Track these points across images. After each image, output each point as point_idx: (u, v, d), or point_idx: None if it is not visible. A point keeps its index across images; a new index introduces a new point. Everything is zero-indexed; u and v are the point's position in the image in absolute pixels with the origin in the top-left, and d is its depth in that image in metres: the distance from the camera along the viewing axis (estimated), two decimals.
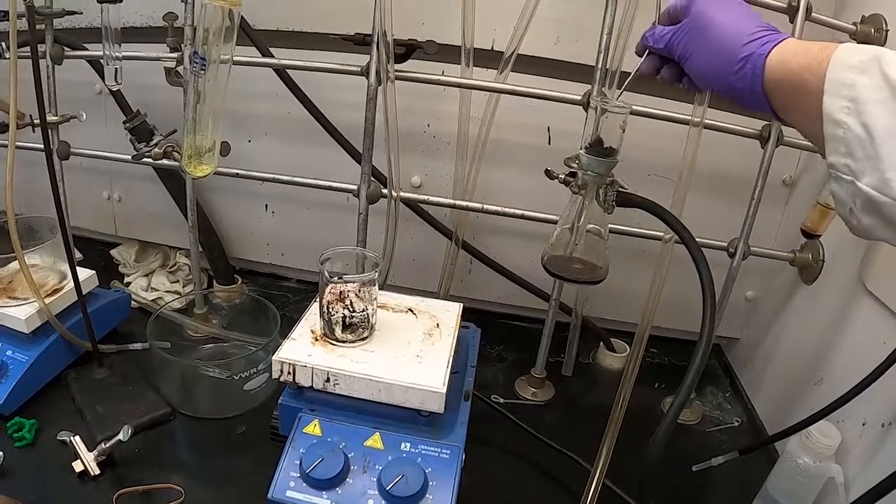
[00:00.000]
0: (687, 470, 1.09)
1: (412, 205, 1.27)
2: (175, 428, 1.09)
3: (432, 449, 0.83)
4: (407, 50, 1.06)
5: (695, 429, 1.24)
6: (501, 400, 1.24)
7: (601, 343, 1.42)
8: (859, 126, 0.53)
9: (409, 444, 0.83)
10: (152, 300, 1.44)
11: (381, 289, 1.07)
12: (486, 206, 1.17)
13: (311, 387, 0.86)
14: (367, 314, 0.90)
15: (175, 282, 1.50)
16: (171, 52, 1.13)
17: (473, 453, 0.88)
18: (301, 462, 0.79)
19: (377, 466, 0.80)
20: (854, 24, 1.05)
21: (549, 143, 1.28)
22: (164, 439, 1.07)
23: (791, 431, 0.99)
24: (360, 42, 1.07)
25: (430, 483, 0.79)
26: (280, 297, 1.54)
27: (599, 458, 0.96)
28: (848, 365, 1.03)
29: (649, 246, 1.16)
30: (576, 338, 1.33)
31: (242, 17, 1.04)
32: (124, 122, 1.20)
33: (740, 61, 0.65)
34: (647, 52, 0.77)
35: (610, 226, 0.94)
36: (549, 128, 1.27)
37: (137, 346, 1.24)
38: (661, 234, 1.13)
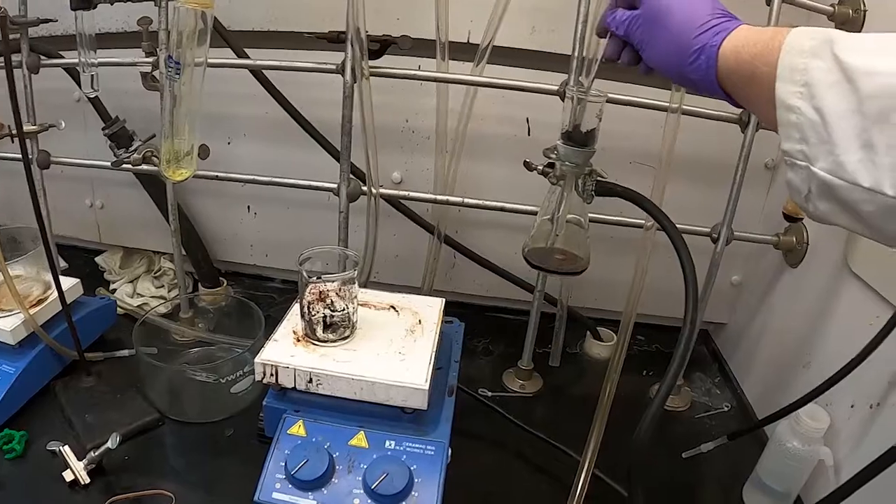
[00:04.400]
0: (677, 457, 1.10)
1: (393, 201, 1.27)
2: (164, 433, 1.09)
3: (417, 446, 0.83)
4: (381, 46, 1.05)
5: (684, 415, 1.24)
6: (489, 393, 1.24)
7: (588, 332, 1.42)
8: (812, 110, 0.52)
9: (393, 442, 0.83)
10: (138, 306, 1.43)
11: (363, 286, 1.07)
12: (466, 200, 1.16)
13: (295, 388, 0.86)
14: (348, 313, 0.89)
15: (160, 287, 1.50)
16: (146, 57, 1.12)
17: (462, 447, 0.88)
18: (286, 463, 0.80)
19: (362, 465, 0.80)
20: (832, 5, 1.05)
21: (529, 135, 1.27)
22: (153, 445, 1.06)
23: (780, 415, 1.00)
24: (334, 40, 1.06)
25: (416, 480, 0.79)
26: (265, 297, 1.54)
27: (588, 448, 0.95)
28: (835, 347, 1.03)
29: (633, 234, 1.16)
30: (562, 328, 1.33)
31: (216, 18, 1.03)
32: (103, 129, 1.19)
33: (693, 53, 0.63)
34: (608, 34, 0.75)
35: (591, 214, 0.93)
36: (528, 119, 1.27)
37: (124, 353, 1.24)
38: (643, 221, 1.13)
